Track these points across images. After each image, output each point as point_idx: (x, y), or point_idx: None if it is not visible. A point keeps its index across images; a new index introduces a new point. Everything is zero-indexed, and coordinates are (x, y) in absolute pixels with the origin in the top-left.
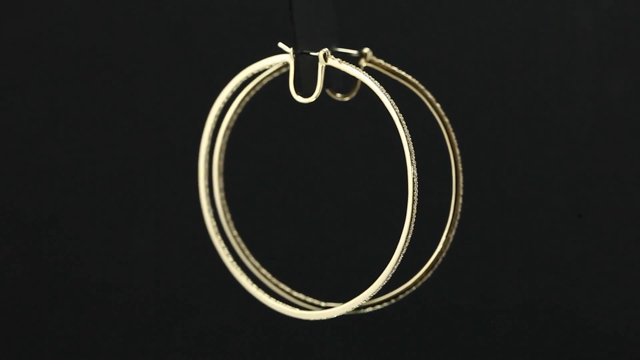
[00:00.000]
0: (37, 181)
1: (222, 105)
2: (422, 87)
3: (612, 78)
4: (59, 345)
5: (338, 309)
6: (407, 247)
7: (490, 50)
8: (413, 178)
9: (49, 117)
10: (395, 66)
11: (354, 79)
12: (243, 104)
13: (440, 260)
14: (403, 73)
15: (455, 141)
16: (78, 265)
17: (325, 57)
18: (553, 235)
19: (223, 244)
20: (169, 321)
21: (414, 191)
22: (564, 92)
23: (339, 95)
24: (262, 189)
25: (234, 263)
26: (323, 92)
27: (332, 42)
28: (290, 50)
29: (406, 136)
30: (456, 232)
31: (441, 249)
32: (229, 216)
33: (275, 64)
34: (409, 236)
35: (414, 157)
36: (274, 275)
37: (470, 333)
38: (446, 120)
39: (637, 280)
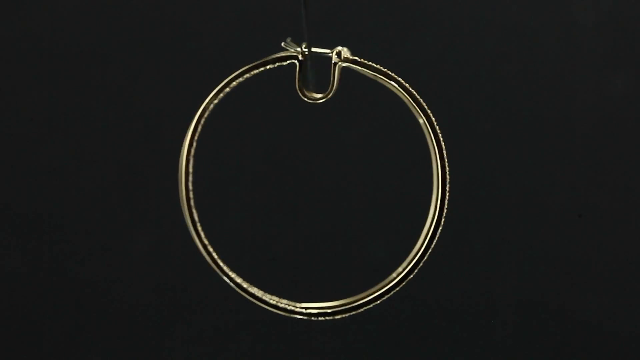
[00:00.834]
0: (37, 181)
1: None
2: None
3: (612, 78)
4: (58, 345)
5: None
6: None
7: (491, 50)
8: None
9: (49, 116)
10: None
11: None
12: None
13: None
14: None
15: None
16: (78, 265)
17: (339, 55)
18: (553, 235)
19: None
20: (168, 321)
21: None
22: (564, 91)
23: (317, 95)
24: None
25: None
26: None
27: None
28: (300, 48)
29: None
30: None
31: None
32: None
33: (278, 62)
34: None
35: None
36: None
37: (470, 333)
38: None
39: (637, 280)
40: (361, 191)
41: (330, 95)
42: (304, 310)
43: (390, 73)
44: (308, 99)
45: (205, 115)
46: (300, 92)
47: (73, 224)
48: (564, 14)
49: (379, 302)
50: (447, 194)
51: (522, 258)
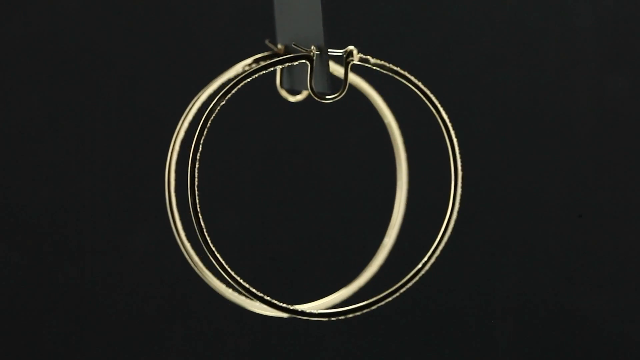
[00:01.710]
0: (37, 181)
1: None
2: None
3: (612, 78)
4: (58, 345)
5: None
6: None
7: (491, 50)
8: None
9: (49, 116)
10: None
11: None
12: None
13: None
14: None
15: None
16: (77, 265)
17: (351, 55)
18: (553, 235)
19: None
20: (168, 321)
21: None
22: (564, 91)
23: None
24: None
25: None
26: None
27: (317, 40)
28: (311, 48)
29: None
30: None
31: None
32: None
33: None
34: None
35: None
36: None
37: (470, 333)
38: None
39: (637, 280)
40: (361, 191)
41: (343, 94)
42: (324, 312)
43: (408, 75)
44: (319, 98)
45: (212, 116)
46: (312, 91)
47: (73, 224)
48: (564, 14)
49: (389, 299)
50: (460, 189)
51: (522, 258)
